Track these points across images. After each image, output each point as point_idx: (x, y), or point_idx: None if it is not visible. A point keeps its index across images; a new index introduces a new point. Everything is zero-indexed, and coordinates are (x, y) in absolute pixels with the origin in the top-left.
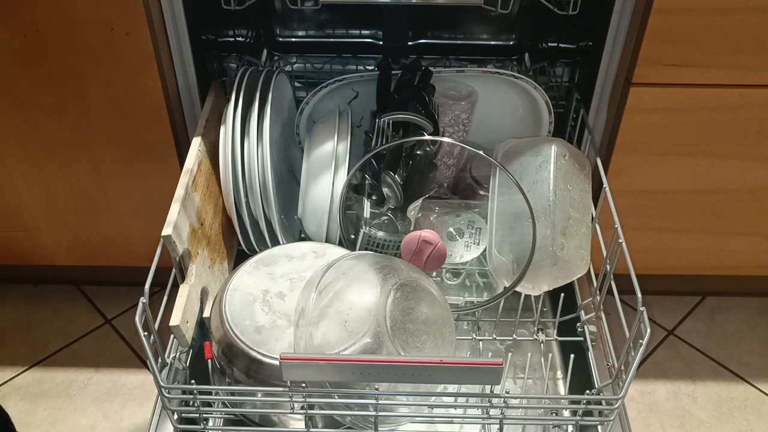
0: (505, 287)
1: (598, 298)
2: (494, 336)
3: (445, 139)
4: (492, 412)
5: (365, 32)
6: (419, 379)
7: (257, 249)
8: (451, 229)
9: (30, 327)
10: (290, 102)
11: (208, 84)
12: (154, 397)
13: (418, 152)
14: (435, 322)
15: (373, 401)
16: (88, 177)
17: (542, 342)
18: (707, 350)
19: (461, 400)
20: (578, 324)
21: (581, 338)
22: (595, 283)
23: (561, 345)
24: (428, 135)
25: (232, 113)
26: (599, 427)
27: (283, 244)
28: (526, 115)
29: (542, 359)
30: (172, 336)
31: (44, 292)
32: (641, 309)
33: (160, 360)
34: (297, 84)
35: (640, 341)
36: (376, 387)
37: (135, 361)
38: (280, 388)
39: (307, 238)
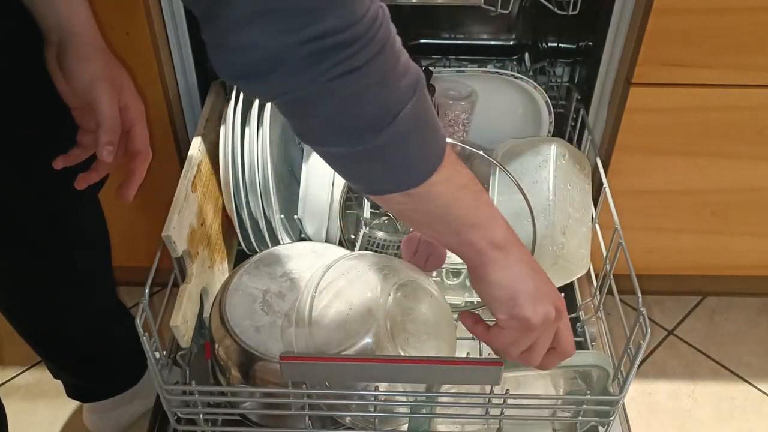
0: None
1: (598, 298)
2: None
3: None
4: (492, 411)
5: None
6: (419, 379)
7: (257, 249)
8: None
9: None
10: None
11: (208, 84)
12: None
13: None
14: (435, 322)
15: (373, 401)
16: None
17: None
18: (707, 350)
19: (462, 399)
20: (578, 324)
21: (581, 338)
22: (595, 283)
23: None
24: None
25: (232, 113)
26: (599, 428)
27: (283, 244)
28: (526, 115)
29: None
30: (172, 336)
31: None
32: (641, 309)
33: (160, 360)
34: None
35: (640, 341)
36: (376, 387)
37: None
38: (280, 388)
39: (307, 238)
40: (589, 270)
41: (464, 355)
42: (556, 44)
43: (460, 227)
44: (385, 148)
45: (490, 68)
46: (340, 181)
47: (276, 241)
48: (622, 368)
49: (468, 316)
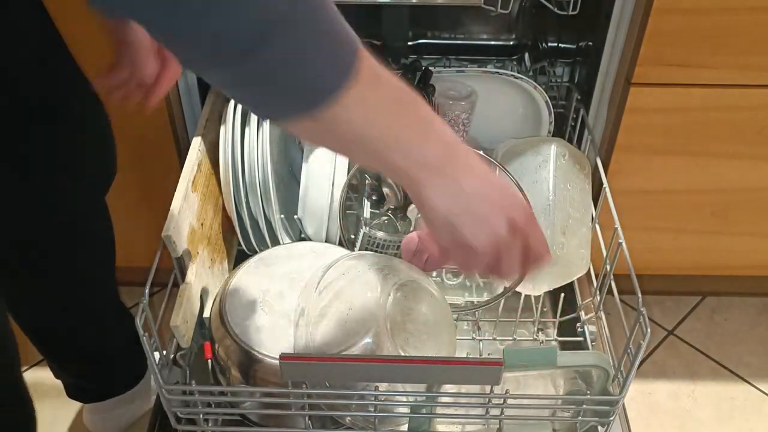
0: (505, 287)
1: (598, 298)
2: (494, 336)
3: None
4: (492, 411)
5: (365, 32)
6: (419, 379)
7: (257, 249)
8: None
9: None
10: None
11: (208, 84)
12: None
13: None
14: (435, 322)
15: (373, 401)
16: None
17: (542, 342)
18: (707, 350)
19: (462, 399)
20: (578, 324)
21: (581, 338)
22: (595, 283)
23: (561, 345)
24: None
25: (232, 113)
26: (599, 428)
27: (283, 244)
28: (526, 115)
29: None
30: (172, 336)
31: None
32: (641, 309)
33: (160, 360)
34: None
35: (640, 341)
36: (376, 387)
37: None
38: (280, 388)
39: (307, 238)
40: (589, 270)
41: (464, 355)
42: (556, 44)
43: (380, 150)
44: (268, 67)
45: (490, 68)
46: (340, 181)
47: (276, 241)
48: (622, 368)
49: (408, 243)
